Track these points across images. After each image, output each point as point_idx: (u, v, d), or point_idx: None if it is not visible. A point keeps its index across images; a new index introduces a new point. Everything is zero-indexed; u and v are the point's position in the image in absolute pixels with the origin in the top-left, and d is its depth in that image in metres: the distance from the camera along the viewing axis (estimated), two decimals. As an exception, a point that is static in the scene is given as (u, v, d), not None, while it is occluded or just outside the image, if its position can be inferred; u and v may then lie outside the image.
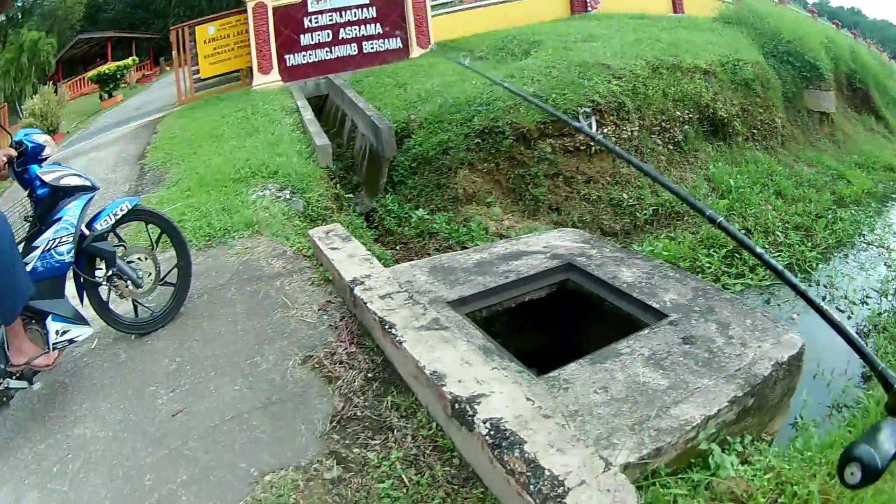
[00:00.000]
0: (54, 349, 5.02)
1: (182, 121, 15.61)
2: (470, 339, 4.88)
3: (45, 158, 5.25)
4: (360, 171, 13.15)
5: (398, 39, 18.59)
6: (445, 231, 10.36)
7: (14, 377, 4.84)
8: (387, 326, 4.80)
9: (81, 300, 5.49)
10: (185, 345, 5.76)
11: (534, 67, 13.32)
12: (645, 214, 11.74)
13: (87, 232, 5.35)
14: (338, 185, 11.51)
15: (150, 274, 5.89)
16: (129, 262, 5.72)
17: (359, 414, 4.52)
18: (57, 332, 4.99)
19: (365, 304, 5.26)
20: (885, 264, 11.73)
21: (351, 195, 11.76)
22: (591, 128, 4.81)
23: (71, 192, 5.24)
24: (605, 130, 12.06)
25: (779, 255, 11.18)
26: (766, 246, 11.44)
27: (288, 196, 9.43)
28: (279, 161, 10.45)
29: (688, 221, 11.93)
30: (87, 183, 5.40)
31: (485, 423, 3.52)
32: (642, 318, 5.38)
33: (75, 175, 5.31)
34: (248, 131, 12.97)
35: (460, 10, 19.91)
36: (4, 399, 4.91)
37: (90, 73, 36.93)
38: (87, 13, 56.19)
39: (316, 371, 5.10)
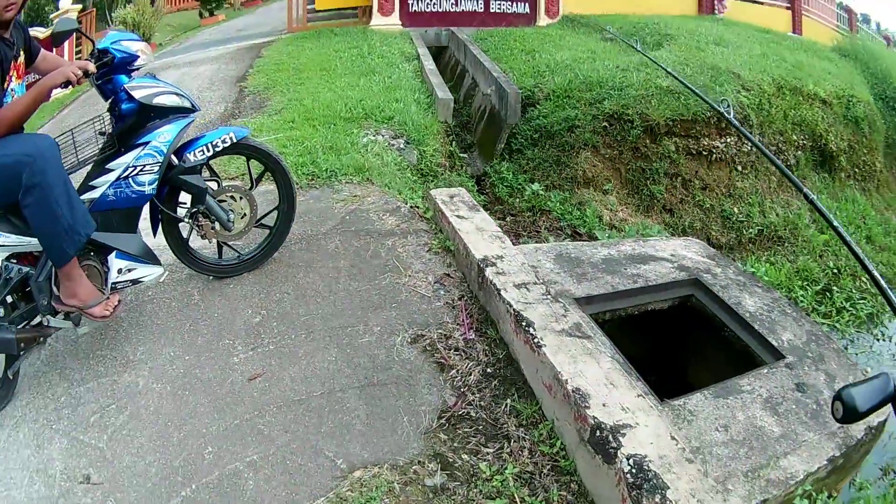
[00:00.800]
0: (113, 289, 4.21)
1: (290, 48, 14.43)
2: (614, 353, 4.06)
3: (137, 69, 4.23)
4: (476, 132, 11.86)
5: (526, 4, 17.10)
6: (558, 211, 9.33)
7: (57, 315, 4.07)
8: (523, 323, 4.06)
9: (154, 232, 4.60)
10: (273, 296, 4.79)
11: (668, 60, 12.16)
12: (750, 233, 10.86)
13: (175, 161, 4.33)
14: (453, 143, 10.41)
15: (244, 215, 4.82)
16: (219, 201, 4.67)
17: (472, 414, 3.83)
18: (119, 271, 4.20)
19: (497, 290, 4.44)
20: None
21: (464, 154, 10.63)
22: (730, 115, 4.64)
23: (164, 112, 4.24)
24: (728, 140, 11.13)
25: (862, 302, 9.89)
26: (853, 290, 10.24)
27: (402, 146, 8.39)
28: (395, 107, 9.33)
29: (787, 248, 11.07)
30: (186, 104, 4.37)
31: (628, 459, 3.15)
32: (760, 355, 4.81)
33: (173, 93, 4.27)
34: (364, 71, 11.63)
35: None
36: (40, 338, 4.08)
37: (193, -12, 35.40)
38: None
39: (427, 354, 4.25)
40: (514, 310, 4.17)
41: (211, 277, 4.95)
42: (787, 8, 22.11)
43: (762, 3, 21.76)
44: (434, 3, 16.37)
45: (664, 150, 10.39)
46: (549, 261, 5.31)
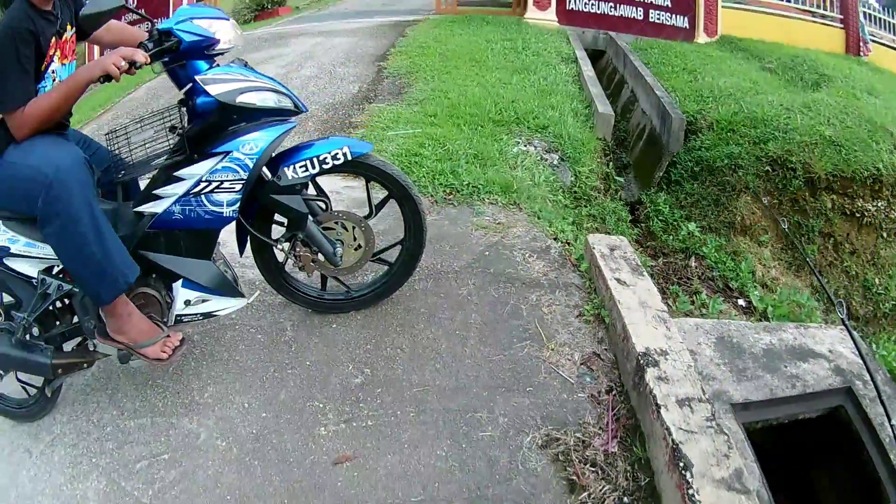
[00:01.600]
0: (178, 321, 3.30)
1: (437, 31, 13.24)
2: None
3: (219, 54, 3.05)
4: (632, 152, 10.73)
5: (686, 18, 15.80)
6: (713, 258, 8.18)
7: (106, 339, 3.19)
8: (680, 464, 2.97)
9: (241, 251, 3.56)
10: (383, 350, 3.72)
11: (830, 106, 10.70)
12: (885, 307, 9.59)
13: (269, 175, 3.20)
14: (610, 163, 9.20)
15: (358, 247, 3.63)
16: (325, 228, 3.51)
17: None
18: (187, 303, 3.24)
19: (657, 406, 3.31)
20: None
21: (620, 178, 9.44)
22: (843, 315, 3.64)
23: (254, 114, 3.07)
24: (879, 204, 9.73)
25: None
26: None
27: (556, 162, 7.14)
28: (550, 115, 8.03)
29: None
30: (287, 104, 3.16)
31: None
32: (889, 492, 3.82)
33: (268, 90, 3.09)
34: (517, 67, 10.20)
35: (746, 9, 17.21)
36: (83, 364, 3.25)
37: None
38: None
39: (558, 466, 3.08)
40: (672, 440, 3.10)
41: (310, 311, 3.90)
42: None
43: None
44: (592, 4, 15.20)
45: (822, 206, 9.21)
46: (709, 346, 4.30)
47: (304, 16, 18.20)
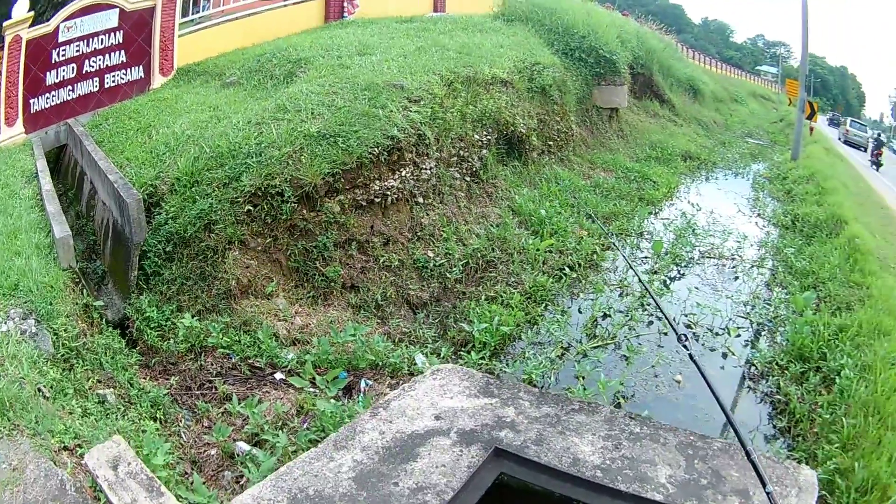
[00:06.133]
0: None
1: None
2: None
3: None
4: (105, 255, 8.97)
5: (140, 67, 14.35)
6: (224, 343, 7.04)
7: None
8: None
9: None
10: None
11: (310, 96, 9.70)
12: (454, 273, 9.07)
13: None
14: (85, 291, 7.82)
15: None
16: None
17: None
18: None
19: None
20: (734, 278, 10.99)
21: (100, 301, 7.83)
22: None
23: None
24: (404, 173, 9.22)
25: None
26: (605, 285, 9.95)
27: (34, 329, 6.24)
28: (18, 265, 7.02)
29: (504, 272, 9.50)
30: None
31: None
32: None
33: None
34: None
35: (205, 27, 15.95)
36: None
37: None
38: None
39: None
40: None
41: None
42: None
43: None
44: (53, 96, 13.28)
45: (327, 214, 8.29)
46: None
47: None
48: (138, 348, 7.25)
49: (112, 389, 6.16)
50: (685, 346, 3.56)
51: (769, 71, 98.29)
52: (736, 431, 3.04)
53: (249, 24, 16.11)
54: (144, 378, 6.81)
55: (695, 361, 3.44)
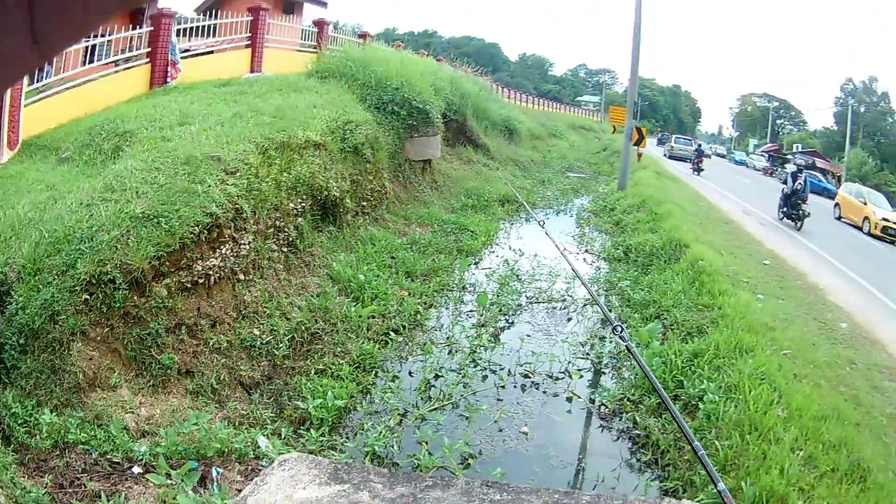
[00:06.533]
0: None
1: None
2: None
3: None
4: None
5: None
6: (83, 439, 6.92)
7: None
8: None
9: None
10: None
11: (135, 173, 9.43)
12: (282, 349, 9.32)
13: None
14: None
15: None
16: None
17: None
18: None
19: None
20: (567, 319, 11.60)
21: None
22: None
23: None
24: (224, 250, 9.29)
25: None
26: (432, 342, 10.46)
27: None
28: None
29: (329, 342, 9.89)
30: None
31: None
32: None
33: None
34: None
35: (45, 96, 14.99)
36: None
37: None
38: None
39: None
40: None
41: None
42: (247, 46, 20.87)
43: (214, 52, 20.30)
44: None
45: (157, 299, 8.21)
46: None
47: None
48: (11, 446, 6.96)
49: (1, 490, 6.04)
50: (621, 338, 3.77)
51: (590, 101, 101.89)
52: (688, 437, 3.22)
53: (84, 92, 15.56)
54: (23, 476, 6.53)
55: (630, 350, 3.67)
